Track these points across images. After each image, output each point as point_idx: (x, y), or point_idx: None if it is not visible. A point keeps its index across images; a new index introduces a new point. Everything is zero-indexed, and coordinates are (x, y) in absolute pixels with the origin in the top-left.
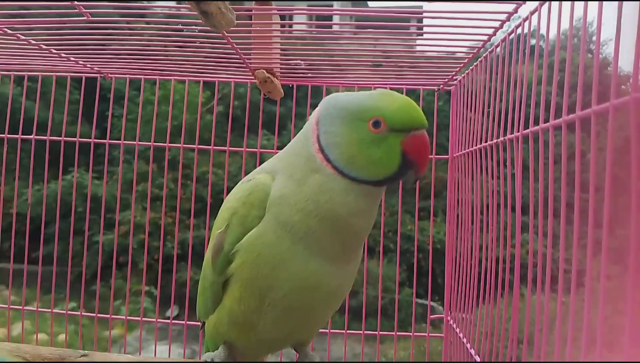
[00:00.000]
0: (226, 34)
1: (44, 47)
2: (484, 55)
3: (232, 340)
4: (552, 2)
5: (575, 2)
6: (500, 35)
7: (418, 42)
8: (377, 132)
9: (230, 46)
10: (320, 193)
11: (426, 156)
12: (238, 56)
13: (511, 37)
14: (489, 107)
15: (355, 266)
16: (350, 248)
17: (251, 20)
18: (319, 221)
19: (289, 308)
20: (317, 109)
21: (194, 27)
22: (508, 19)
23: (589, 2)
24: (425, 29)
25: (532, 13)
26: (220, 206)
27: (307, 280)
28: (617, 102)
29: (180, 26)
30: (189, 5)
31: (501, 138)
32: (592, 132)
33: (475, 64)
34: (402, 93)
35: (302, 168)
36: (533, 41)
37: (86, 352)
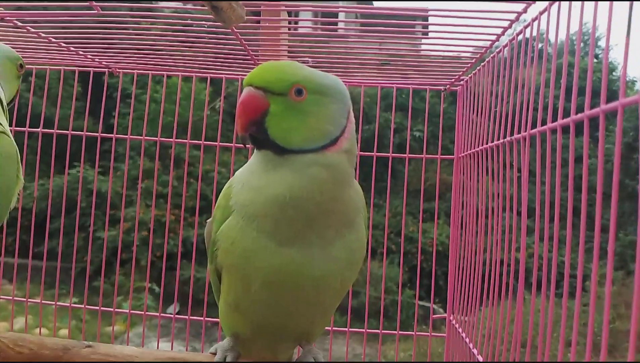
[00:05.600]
0: (235, 30)
1: (53, 40)
2: (491, 56)
3: (235, 329)
4: (562, 2)
5: (585, 2)
6: (507, 36)
7: (425, 42)
8: None
9: (239, 42)
10: (259, 175)
11: (239, 111)
12: (246, 52)
13: (519, 38)
14: (495, 107)
15: (344, 250)
16: (315, 228)
17: (260, 17)
18: (269, 207)
19: (274, 295)
20: None
21: (203, 22)
22: (517, 19)
23: (599, 2)
24: (432, 30)
25: (541, 13)
26: None
27: (283, 267)
28: (626, 101)
29: (190, 21)
30: (199, 1)
31: (508, 138)
32: (600, 130)
33: (482, 64)
34: (409, 93)
35: (253, 156)
36: (540, 43)
37: (90, 343)
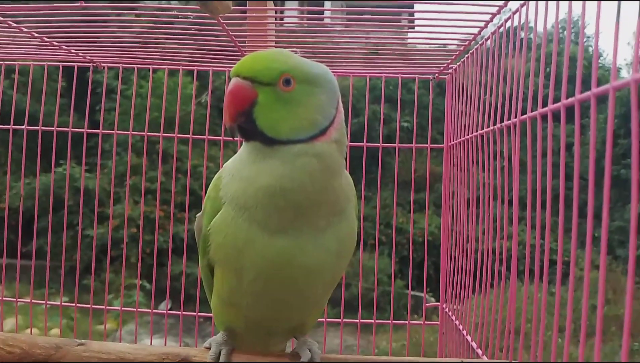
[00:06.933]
0: (222, 22)
1: (36, 35)
2: (479, 44)
3: (229, 323)
4: None
5: None
6: (494, 25)
7: (412, 32)
8: None
9: (225, 33)
10: (248, 166)
11: (227, 102)
12: (233, 44)
13: (507, 25)
14: (485, 95)
15: (335, 239)
16: (306, 218)
17: (246, 7)
18: (259, 197)
19: (268, 287)
20: None
21: (189, 14)
22: (499, 12)
23: None
24: (419, 17)
25: (522, 5)
26: None
27: (276, 258)
28: (618, 84)
29: (176, 12)
30: None
31: (498, 125)
32: (592, 113)
33: (470, 52)
34: (398, 82)
35: (242, 147)
36: (523, 34)
37: (83, 340)
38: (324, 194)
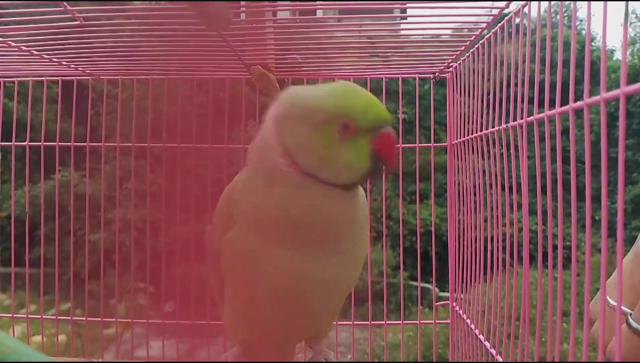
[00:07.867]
0: (222, 33)
1: (35, 53)
2: (481, 42)
3: (243, 337)
4: None
5: None
6: (497, 22)
7: (413, 29)
8: (346, 136)
9: (225, 43)
10: (290, 201)
11: (395, 152)
12: (233, 53)
13: (505, 27)
14: (488, 95)
15: (351, 255)
16: (333, 244)
17: (243, 15)
18: (294, 228)
19: (283, 303)
20: (273, 109)
21: (189, 26)
22: (499, 14)
23: None
24: (421, 14)
25: (524, 6)
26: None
27: (291, 279)
28: (628, 89)
29: (173, 26)
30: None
31: (503, 125)
32: (602, 118)
33: (471, 50)
34: (398, 82)
35: (265, 175)
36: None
37: (99, 361)
38: (348, 218)
